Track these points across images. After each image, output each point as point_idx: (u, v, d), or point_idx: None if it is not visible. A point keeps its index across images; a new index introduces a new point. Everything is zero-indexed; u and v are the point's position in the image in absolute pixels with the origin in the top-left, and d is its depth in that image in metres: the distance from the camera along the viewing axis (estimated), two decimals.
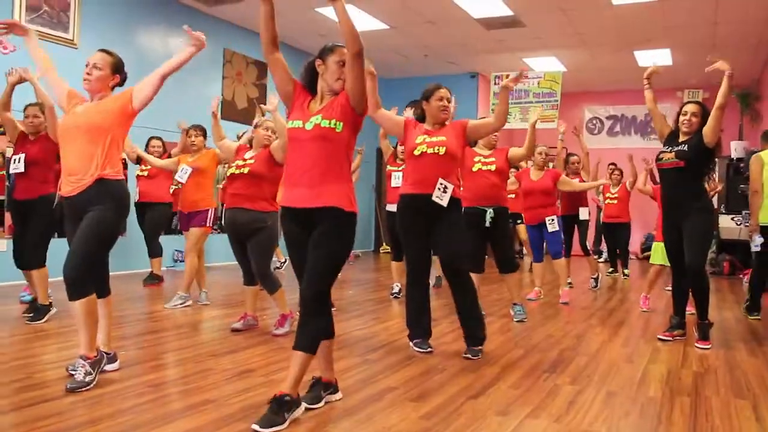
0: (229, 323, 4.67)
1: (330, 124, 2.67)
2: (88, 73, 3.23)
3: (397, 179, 5.94)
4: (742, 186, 9.10)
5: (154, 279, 6.76)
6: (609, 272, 8.90)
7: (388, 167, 6.26)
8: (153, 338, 4.24)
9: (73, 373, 3.06)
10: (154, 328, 4.55)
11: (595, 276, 7.44)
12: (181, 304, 5.37)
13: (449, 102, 3.96)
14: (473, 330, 3.94)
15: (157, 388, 3.08)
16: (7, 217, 6.16)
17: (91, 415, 2.66)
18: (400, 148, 5.90)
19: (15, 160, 4.67)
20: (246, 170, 4.35)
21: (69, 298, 3.03)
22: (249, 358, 3.74)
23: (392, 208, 5.43)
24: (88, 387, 2.97)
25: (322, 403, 2.85)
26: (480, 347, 3.92)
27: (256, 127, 4.49)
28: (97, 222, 3.07)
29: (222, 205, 5.48)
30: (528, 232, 6.55)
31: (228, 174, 4.54)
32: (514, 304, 5.21)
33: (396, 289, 6.32)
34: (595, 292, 7.21)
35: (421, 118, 4.06)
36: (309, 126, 2.68)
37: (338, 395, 2.96)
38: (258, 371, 3.43)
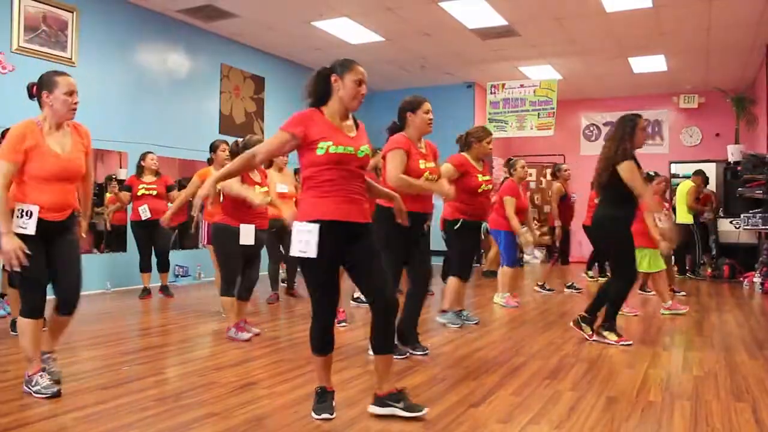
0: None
1: (369, 154, 2.91)
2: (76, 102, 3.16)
3: None
4: (740, 189, 9.14)
5: (168, 291, 6.93)
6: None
7: None
8: (156, 353, 4.25)
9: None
10: (157, 343, 4.58)
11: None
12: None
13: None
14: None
15: (161, 402, 3.10)
16: None
17: (96, 430, 2.68)
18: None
19: None
20: None
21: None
22: (252, 370, 3.76)
23: None
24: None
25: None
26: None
27: None
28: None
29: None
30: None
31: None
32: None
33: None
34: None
35: (397, 129, 3.93)
36: (360, 154, 2.80)
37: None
38: (261, 383, 3.45)
